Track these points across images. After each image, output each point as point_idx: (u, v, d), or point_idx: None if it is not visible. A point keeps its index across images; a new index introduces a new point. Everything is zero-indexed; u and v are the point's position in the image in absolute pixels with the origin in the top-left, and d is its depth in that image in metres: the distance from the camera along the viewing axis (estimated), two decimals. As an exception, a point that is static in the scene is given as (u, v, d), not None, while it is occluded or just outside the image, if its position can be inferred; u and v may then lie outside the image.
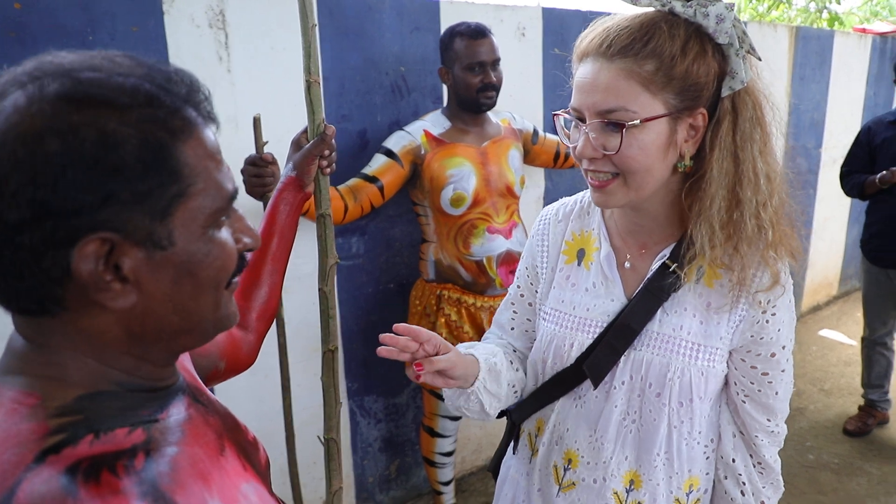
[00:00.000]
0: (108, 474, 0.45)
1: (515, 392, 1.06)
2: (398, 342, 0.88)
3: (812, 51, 3.78)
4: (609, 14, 0.87)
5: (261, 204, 1.49)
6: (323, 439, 1.19)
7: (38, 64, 0.49)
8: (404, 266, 2.22)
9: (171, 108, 0.51)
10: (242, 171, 1.41)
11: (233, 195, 0.56)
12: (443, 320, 1.93)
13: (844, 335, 4.01)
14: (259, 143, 1.37)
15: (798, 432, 2.91)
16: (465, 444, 2.56)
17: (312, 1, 1.19)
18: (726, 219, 0.84)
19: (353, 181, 1.83)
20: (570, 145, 0.87)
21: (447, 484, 2.21)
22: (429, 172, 1.84)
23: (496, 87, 1.84)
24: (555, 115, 0.91)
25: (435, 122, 1.90)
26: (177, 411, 0.56)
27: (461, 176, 1.84)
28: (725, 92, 0.82)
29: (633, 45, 0.79)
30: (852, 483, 2.54)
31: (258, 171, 1.38)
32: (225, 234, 0.55)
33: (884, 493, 2.48)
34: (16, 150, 0.45)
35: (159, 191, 0.49)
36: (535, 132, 2.12)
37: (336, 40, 1.94)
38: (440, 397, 2.06)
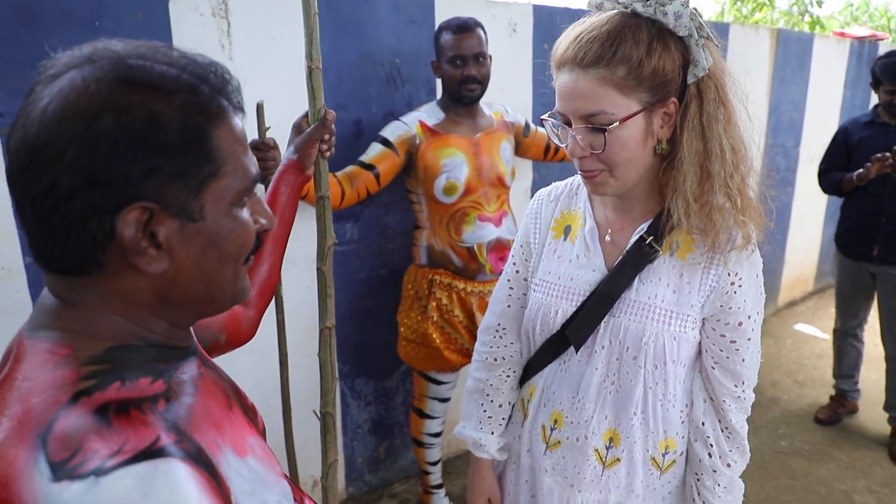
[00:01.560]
0: (136, 411, 0.51)
1: (510, 404, 1.22)
2: None
3: (792, 53, 3.90)
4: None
5: (261, 187, 1.55)
6: (319, 413, 1.25)
7: (93, 49, 0.55)
8: (397, 252, 2.28)
9: (209, 96, 0.57)
10: None
11: (256, 178, 0.62)
12: (434, 304, 2.00)
13: (818, 329, 4.14)
14: (262, 129, 1.43)
15: (772, 421, 3.03)
16: (451, 427, 2.63)
17: None
18: (699, 191, 0.92)
19: (350, 168, 1.89)
20: (562, 145, 0.96)
21: (434, 464, 2.28)
22: (423, 161, 1.91)
23: (478, 80, 1.91)
24: (543, 119, 0.99)
25: (430, 114, 1.96)
26: (190, 369, 0.61)
27: (454, 165, 1.91)
28: (691, 79, 0.91)
29: (604, 54, 0.87)
30: (822, 469, 2.66)
31: (261, 154, 1.44)
32: (246, 213, 0.61)
33: (851, 477, 2.60)
34: (74, 125, 0.51)
35: (195, 169, 0.55)
36: (527, 125, 2.19)
37: (334, 32, 2.00)
38: (430, 380, 2.14)
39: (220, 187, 0.57)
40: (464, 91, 1.90)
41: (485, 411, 1.21)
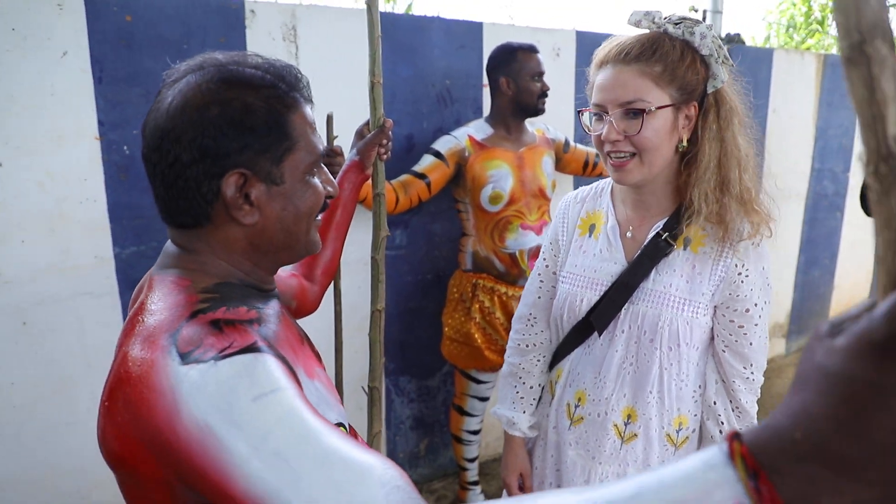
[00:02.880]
0: (239, 324, 0.66)
1: (541, 386, 1.34)
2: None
3: (840, 77, 3.91)
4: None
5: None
6: (367, 388, 1.40)
7: (203, 59, 0.74)
8: (442, 259, 2.43)
9: (285, 90, 0.74)
10: None
11: (322, 153, 0.79)
12: (477, 306, 2.14)
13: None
14: (330, 137, 1.61)
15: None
16: (489, 430, 2.74)
17: (378, 15, 1.43)
18: (717, 183, 1.06)
19: (404, 177, 2.07)
20: (594, 134, 1.09)
21: (472, 461, 2.39)
22: (471, 172, 2.07)
23: (547, 94, 2.12)
24: (580, 111, 1.14)
25: (478, 129, 2.13)
26: (274, 307, 0.77)
27: (500, 177, 2.06)
28: (710, 90, 1.06)
29: (645, 52, 1.03)
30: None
31: (329, 160, 1.62)
32: (316, 180, 0.79)
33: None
34: (190, 114, 0.69)
35: (276, 145, 0.72)
36: (567, 142, 2.33)
37: (390, 54, 2.19)
38: (471, 378, 2.26)
39: (296, 159, 0.74)
40: (540, 104, 2.10)
41: (517, 392, 1.33)
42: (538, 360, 1.32)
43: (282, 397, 0.58)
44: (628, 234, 1.17)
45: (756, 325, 1.10)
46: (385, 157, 1.38)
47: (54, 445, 1.85)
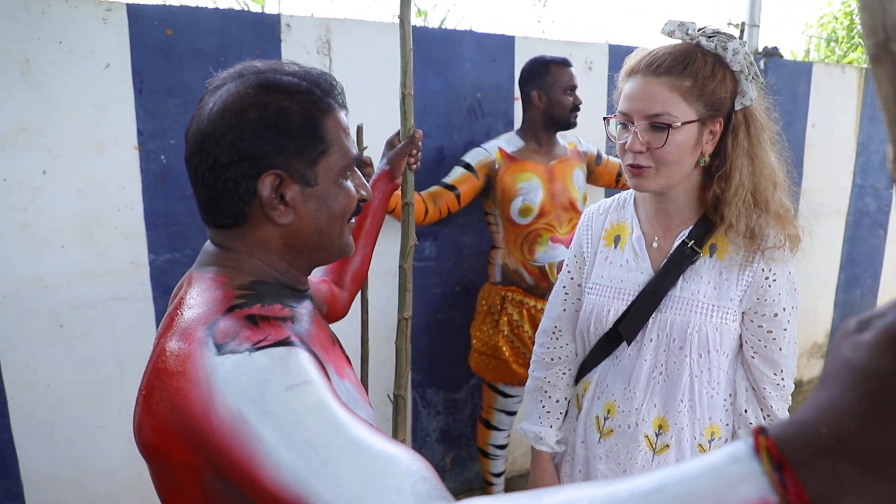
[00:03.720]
0: (273, 320, 0.68)
1: (567, 399, 1.32)
2: None
3: (883, 92, 3.80)
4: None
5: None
6: (392, 396, 1.39)
7: (242, 67, 0.77)
8: (471, 271, 2.42)
9: (320, 95, 0.76)
10: None
11: (356, 157, 0.80)
12: (505, 319, 2.12)
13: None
14: (360, 148, 1.63)
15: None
16: (517, 446, 2.70)
17: (410, 29, 1.45)
18: (751, 199, 1.06)
19: (434, 188, 2.07)
20: (619, 142, 1.09)
21: (498, 476, 2.36)
22: (501, 185, 2.06)
23: (580, 109, 2.11)
24: (605, 118, 1.14)
25: (509, 142, 2.12)
26: (307, 307, 0.79)
27: (530, 189, 2.05)
28: (738, 107, 1.05)
29: (676, 66, 1.03)
30: None
31: (360, 171, 1.64)
32: (350, 183, 0.80)
33: None
34: (230, 118, 0.72)
35: (311, 148, 0.74)
36: (599, 155, 2.30)
37: (422, 67, 2.20)
38: (498, 392, 2.24)
39: (329, 162, 0.76)
40: (572, 118, 2.10)
41: (543, 406, 1.31)
42: (564, 374, 1.30)
43: (312, 389, 0.59)
44: (654, 244, 1.16)
45: (785, 329, 1.09)
46: (415, 167, 1.39)
47: (85, 447, 1.89)
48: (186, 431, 0.60)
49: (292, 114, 0.73)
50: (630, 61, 1.08)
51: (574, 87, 2.09)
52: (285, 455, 0.54)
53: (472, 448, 2.59)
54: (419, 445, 2.48)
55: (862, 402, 0.33)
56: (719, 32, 1.04)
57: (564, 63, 2.09)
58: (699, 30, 1.05)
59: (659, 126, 1.03)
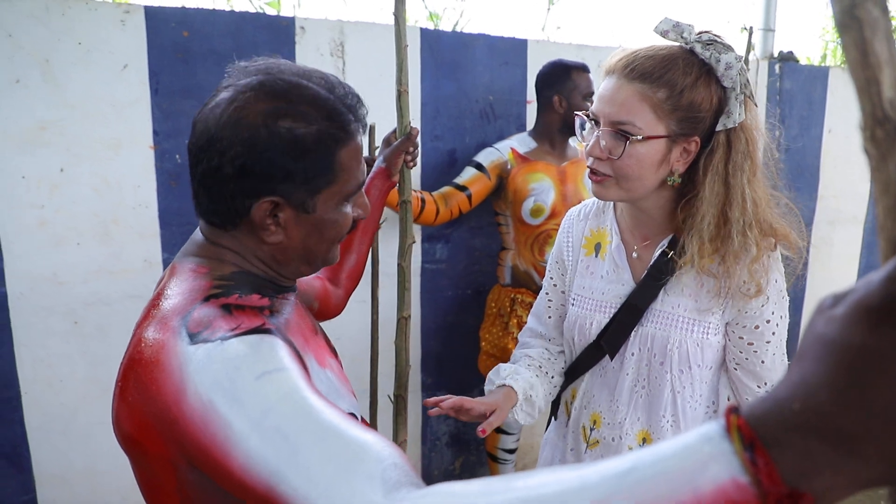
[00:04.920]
0: (249, 308, 0.68)
1: (555, 387, 1.21)
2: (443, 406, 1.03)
3: (902, 99, 3.76)
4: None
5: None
6: (392, 397, 1.39)
7: (267, 67, 0.73)
8: (482, 274, 2.42)
9: (343, 122, 0.73)
10: None
11: (361, 183, 0.78)
12: (515, 321, 2.11)
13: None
14: (371, 147, 1.64)
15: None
16: (527, 451, 2.68)
17: (405, 27, 1.46)
18: (714, 233, 0.98)
19: (445, 189, 2.07)
20: (584, 143, 1.03)
21: (509, 481, 2.34)
22: (513, 185, 2.06)
23: None
24: (576, 114, 1.06)
25: (521, 142, 2.13)
26: (290, 299, 0.79)
27: (541, 190, 2.04)
28: (720, 127, 0.97)
29: (653, 72, 0.94)
30: None
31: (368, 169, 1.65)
32: (349, 208, 0.79)
33: None
34: (241, 131, 0.69)
35: (319, 178, 0.72)
36: (610, 158, 2.30)
37: (434, 70, 2.21)
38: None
39: (333, 191, 0.75)
40: None
41: (532, 366, 1.19)
42: (547, 373, 1.20)
43: (285, 376, 0.59)
44: (634, 255, 1.11)
45: (768, 342, 1.03)
46: (411, 164, 1.38)
47: (97, 444, 1.91)
48: (160, 422, 0.60)
49: (308, 142, 0.70)
50: (611, 59, 1.00)
51: (592, 94, 2.09)
52: (255, 443, 0.54)
53: (481, 453, 2.58)
54: (429, 449, 2.47)
55: (835, 376, 0.32)
56: (717, 41, 0.96)
57: (584, 69, 2.09)
58: (696, 34, 0.96)
59: (622, 133, 0.95)
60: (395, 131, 1.42)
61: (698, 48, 0.96)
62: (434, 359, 2.39)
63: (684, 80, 0.94)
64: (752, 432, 0.34)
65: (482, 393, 2.59)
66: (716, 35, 0.97)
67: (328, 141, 0.71)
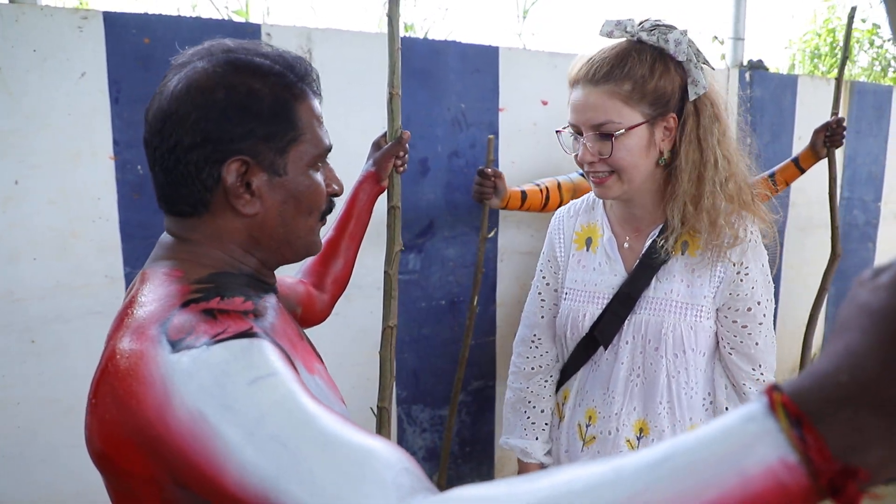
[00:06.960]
0: (234, 312, 0.63)
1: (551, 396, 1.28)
2: None
3: (868, 105, 3.83)
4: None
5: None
6: (375, 409, 1.35)
7: (210, 45, 0.72)
8: (456, 285, 2.38)
9: (293, 80, 0.72)
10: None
11: (328, 148, 0.76)
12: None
13: None
14: (488, 159, 1.65)
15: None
16: (506, 463, 2.64)
17: (399, 28, 1.42)
18: (696, 194, 1.03)
19: (575, 177, 2.06)
20: (572, 154, 1.07)
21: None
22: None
23: None
24: (557, 131, 1.12)
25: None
26: (272, 300, 0.74)
27: None
28: (692, 97, 1.03)
29: (613, 71, 1.01)
30: None
31: None
32: (320, 176, 0.76)
33: None
34: (196, 96, 0.67)
35: (281, 134, 0.70)
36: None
37: (405, 77, 2.17)
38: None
39: (300, 151, 0.72)
40: None
41: (528, 418, 1.26)
42: (546, 382, 1.26)
43: (278, 381, 0.54)
44: (625, 245, 1.15)
45: (760, 323, 1.07)
46: (402, 169, 1.35)
47: (57, 468, 1.82)
48: (141, 438, 0.55)
49: (263, 96, 0.69)
50: (572, 70, 1.07)
51: None
52: (250, 453, 0.49)
53: (459, 466, 2.53)
54: (405, 463, 2.41)
55: (883, 343, 0.31)
56: (659, 25, 1.03)
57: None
58: (638, 25, 1.03)
59: (606, 134, 1.02)
60: (384, 135, 1.38)
61: (644, 36, 1.03)
62: (409, 371, 2.34)
63: (642, 67, 1.01)
64: (797, 408, 0.32)
65: (459, 407, 2.53)
66: (656, 20, 1.03)
67: (285, 94, 0.70)
